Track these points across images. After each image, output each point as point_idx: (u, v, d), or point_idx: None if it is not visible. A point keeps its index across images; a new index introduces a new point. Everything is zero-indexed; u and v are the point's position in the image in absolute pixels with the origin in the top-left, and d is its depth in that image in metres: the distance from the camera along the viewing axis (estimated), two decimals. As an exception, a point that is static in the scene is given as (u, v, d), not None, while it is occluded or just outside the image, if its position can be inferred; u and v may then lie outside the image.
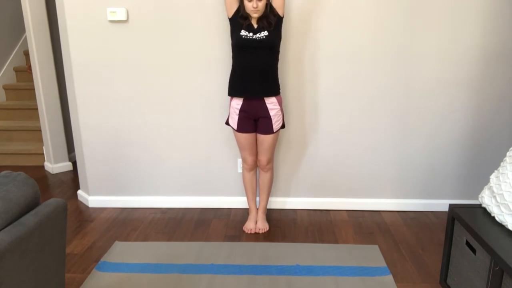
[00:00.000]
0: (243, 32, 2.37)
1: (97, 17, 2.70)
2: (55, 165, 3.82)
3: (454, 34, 2.66)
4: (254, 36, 2.36)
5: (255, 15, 2.33)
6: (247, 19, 2.36)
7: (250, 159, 2.63)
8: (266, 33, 2.36)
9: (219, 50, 2.73)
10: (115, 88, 2.84)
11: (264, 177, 2.71)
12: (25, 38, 5.03)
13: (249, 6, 2.28)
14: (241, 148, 2.63)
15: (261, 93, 2.46)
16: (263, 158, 2.62)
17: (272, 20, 2.36)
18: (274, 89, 2.49)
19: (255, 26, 2.37)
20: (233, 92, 2.51)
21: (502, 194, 1.80)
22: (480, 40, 2.67)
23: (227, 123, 2.61)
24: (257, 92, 2.45)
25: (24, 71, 4.81)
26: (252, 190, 2.75)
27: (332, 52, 2.72)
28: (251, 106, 2.48)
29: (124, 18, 2.69)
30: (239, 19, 2.38)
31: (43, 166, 4.01)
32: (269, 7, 2.36)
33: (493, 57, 2.70)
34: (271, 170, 2.71)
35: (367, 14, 2.64)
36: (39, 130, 4.12)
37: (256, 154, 2.64)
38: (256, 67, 2.42)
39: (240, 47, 2.41)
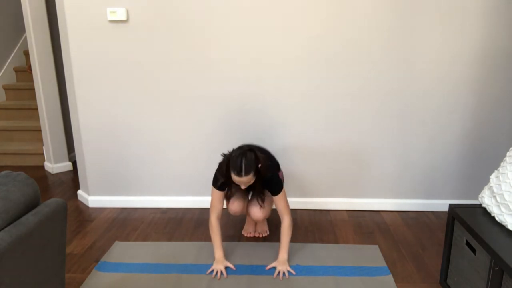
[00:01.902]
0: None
1: (97, 17, 2.70)
2: (55, 165, 3.82)
3: (454, 34, 2.66)
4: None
5: (243, 187, 2.28)
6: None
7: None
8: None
9: (219, 50, 2.74)
10: (115, 88, 2.84)
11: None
12: (25, 38, 5.03)
13: (236, 181, 2.20)
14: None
15: None
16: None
17: (263, 197, 2.37)
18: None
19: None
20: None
21: (502, 194, 1.80)
22: (480, 40, 2.67)
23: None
24: None
25: (24, 71, 4.81)
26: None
27: (332, 52, 2.72)
28: None
29: (124, 18, 2.69)
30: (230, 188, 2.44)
31: (43, 166, 4.01)
32: (260, 184, 2.27)
33: (493, 57, 2.70)
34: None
35: (367, 14, 2.64)
36: (39, 130, 4.13)
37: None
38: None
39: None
